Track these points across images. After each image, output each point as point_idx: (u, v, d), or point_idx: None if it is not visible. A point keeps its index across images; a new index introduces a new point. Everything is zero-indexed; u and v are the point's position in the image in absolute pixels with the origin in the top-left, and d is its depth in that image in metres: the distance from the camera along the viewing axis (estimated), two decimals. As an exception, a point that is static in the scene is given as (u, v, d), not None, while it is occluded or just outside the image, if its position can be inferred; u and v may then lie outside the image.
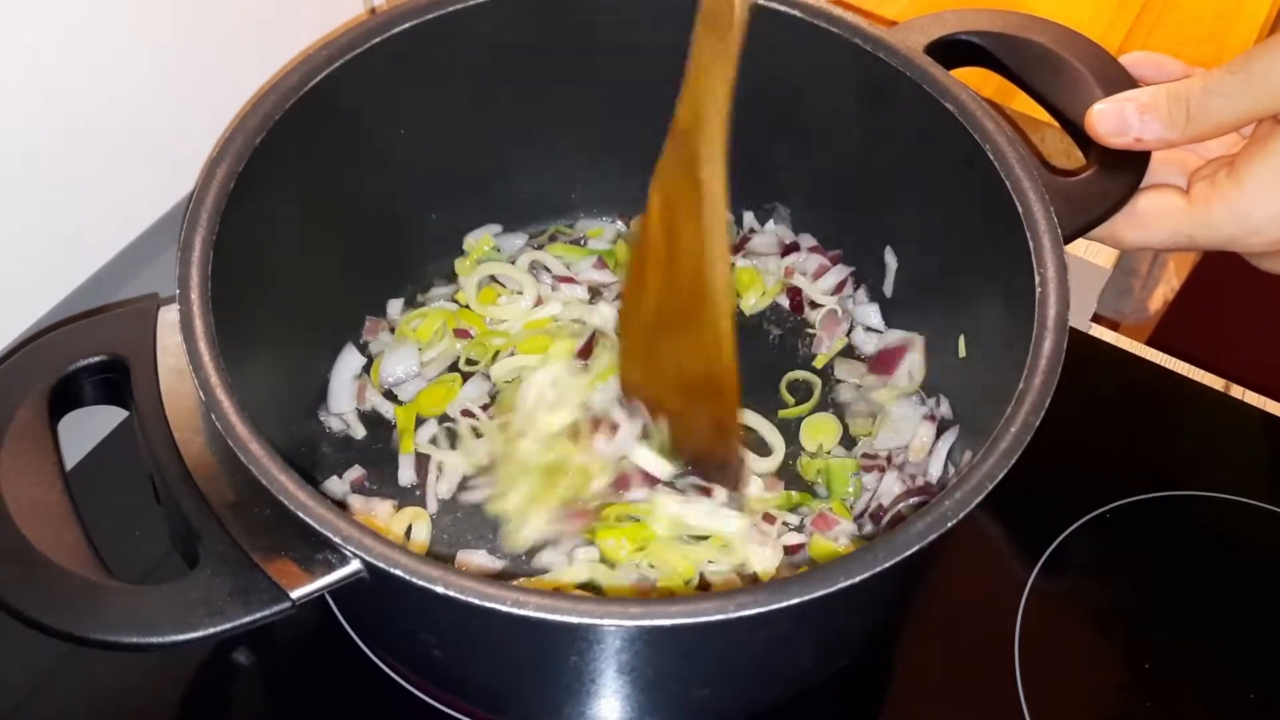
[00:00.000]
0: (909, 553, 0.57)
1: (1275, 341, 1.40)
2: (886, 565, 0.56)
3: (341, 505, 0.80)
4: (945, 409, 0.84)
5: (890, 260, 0.89)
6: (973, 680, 0.78)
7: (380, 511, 0.80)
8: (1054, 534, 0.83)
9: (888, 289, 0.90)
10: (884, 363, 0.87)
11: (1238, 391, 0.93)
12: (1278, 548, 0.85)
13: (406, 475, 0.82)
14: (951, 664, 0.79)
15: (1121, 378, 0.94)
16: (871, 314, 0.90)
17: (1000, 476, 0.60)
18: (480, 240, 0.93)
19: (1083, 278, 0.98)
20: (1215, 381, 0.94)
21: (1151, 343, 0.97)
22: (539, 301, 0.90)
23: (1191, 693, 0.79)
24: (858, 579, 0.55)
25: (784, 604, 0.54)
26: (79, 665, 0.75)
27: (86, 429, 0.82)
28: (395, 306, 0.89)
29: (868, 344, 0.89)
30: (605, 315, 0.88)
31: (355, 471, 0.82)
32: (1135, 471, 0.88)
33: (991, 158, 0.72)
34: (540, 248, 0.94)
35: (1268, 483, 0.87)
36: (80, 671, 0.75)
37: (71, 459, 0.82)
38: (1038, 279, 0.67)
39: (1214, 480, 0.87)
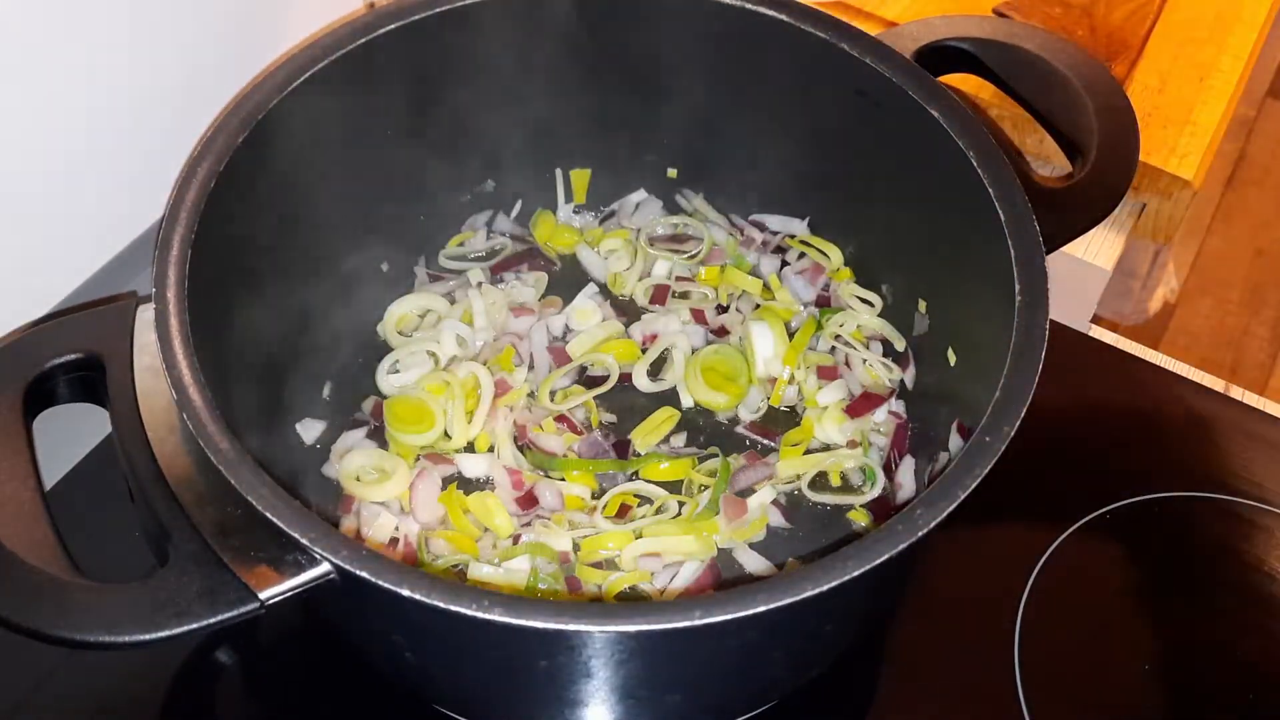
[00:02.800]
0: (879, 561, 0.56)
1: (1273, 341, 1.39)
2: (855, 574, 0.56)
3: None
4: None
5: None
6: (973, 680, 0.78)
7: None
8: (1054, 534, 0.83)
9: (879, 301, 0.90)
10: (861, 405, 0.87)
11: (1237, 392, 0.93)
12: (1277, 548, 0.85)
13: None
14: (951, 664, 0.79)
15: (1121, 378, 0.94)
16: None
17: (974, 486, 0.59)
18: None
19: (1083, 279, 0.98)
20: (1215, 382, 0.94)
21: (1151, 343, 0.97)
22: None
23: (1191, 693, 0.79)
24: (825, 587, 0.55)
25: (749, 612, 0.54)
26: (79, 665, 0.75)
27: (88, 429, 0.83)
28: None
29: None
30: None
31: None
32: (1135, 472, 0.88)
33: (976, 164, 0.72)
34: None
35: (1268, 483, 0.87)
36: (79, 671, 0.75)
37: (71, 460, 0.83)
38: (1018, 287, 0.67)
39: (1213, 480, 0.87)
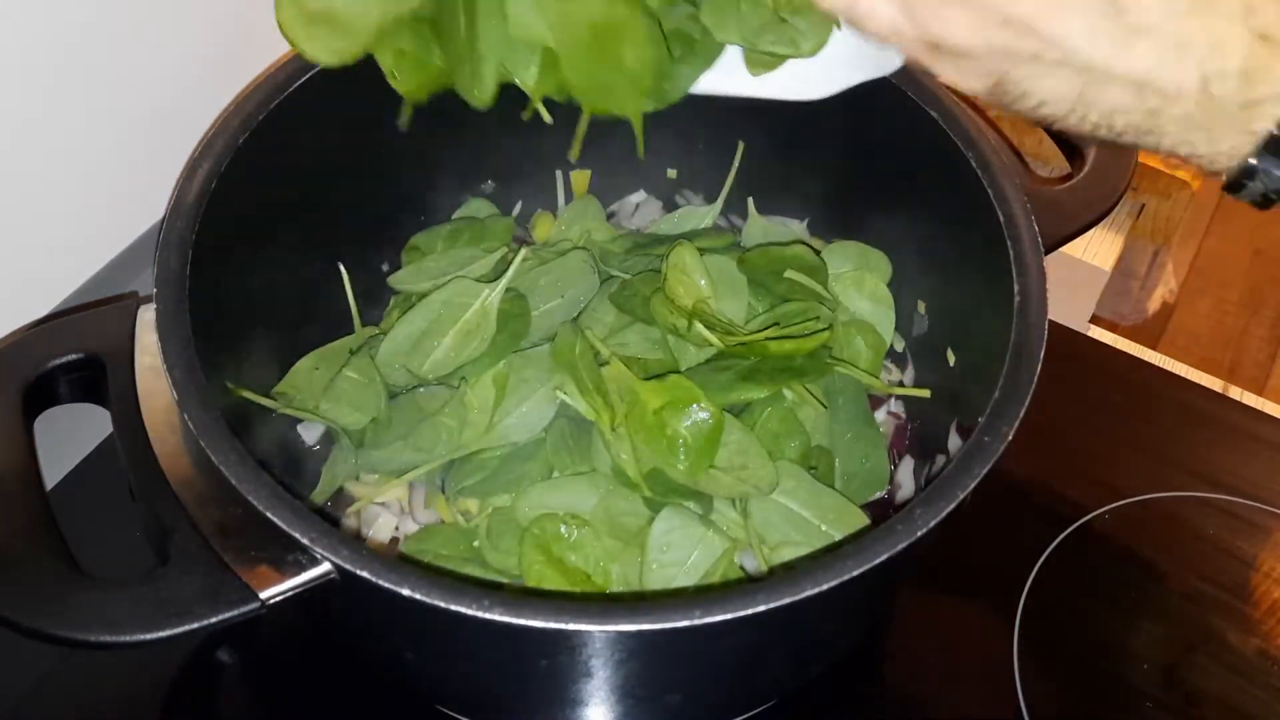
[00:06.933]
0: (879, 560, 0.56)
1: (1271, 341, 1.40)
2: (855, 574, 0.56)
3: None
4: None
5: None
6: (972, 680, 0.79)
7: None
8: (1054, 534, 0.84)
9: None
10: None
11: (1236, 391, 0.94)
12: (1276, 548, 0.85)
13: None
14: (951, 664, 0.79)
15: (1121, 378, 0.94)
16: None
17: (973, 486, 0.59)
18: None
19: (1082, 279, 0.98)
20: (1214, 382, 0.94)
21: (1150, 343, 0.97)
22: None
23: (1191, 692, 0.79)
24: (825, 587, 0.55)
25: (749, 611, 0.54)
26: (79, 665, 0.75)
27: (88, 429, 0.83)
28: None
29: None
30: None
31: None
32: (1135, 472, 0.88)
33: (974, 165, 0.72)
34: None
35: (1267, 483, 0.88)
36: (79, 671, 0.75)
37: (72, 460, 0.83)
38: (1017, 287, 0.67)
39: (1214, 480, 0.88)
